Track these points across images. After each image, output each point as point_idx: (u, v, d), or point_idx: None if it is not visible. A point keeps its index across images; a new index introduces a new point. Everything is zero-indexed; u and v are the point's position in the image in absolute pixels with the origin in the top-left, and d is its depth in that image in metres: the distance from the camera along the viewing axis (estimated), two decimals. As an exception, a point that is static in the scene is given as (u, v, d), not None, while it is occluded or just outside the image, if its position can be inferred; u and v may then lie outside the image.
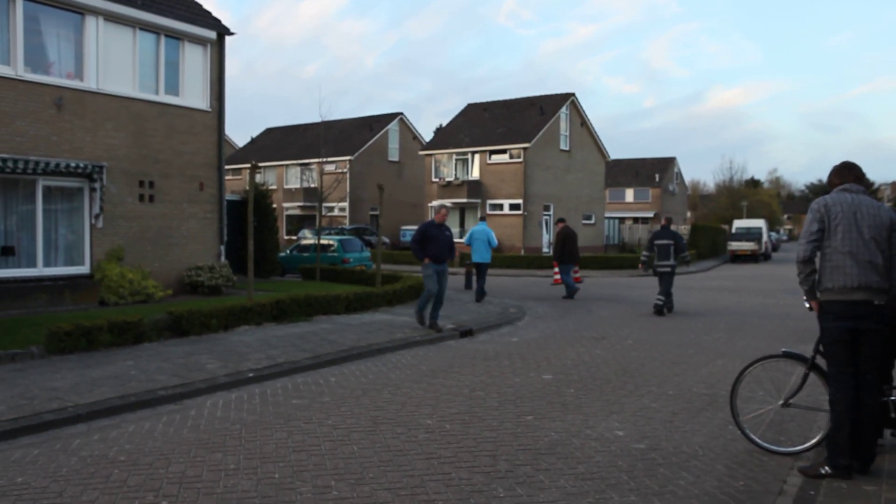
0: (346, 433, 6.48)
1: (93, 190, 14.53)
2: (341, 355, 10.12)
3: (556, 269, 19.99)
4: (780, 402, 5.96)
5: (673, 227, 16.73)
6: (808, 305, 5.50)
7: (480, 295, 17.94)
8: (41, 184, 13.85)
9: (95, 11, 14.54)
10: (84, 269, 14.56)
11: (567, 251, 19.24)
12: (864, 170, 5.59)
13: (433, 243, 12.38)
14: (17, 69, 13.37)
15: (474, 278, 19.13)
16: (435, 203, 12.54)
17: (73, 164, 13.97)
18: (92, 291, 14.09)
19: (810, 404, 6.09)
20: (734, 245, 41.31)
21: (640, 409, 7.46)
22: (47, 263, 14.06)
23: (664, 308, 15.57)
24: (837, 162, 5.63)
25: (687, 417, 7.12)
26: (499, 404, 7.59)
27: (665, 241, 15.83)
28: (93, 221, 14.62)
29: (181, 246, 16.45)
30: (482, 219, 20.28)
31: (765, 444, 6.01)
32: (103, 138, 14.81)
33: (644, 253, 16.56)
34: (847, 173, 5.47)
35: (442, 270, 12.50)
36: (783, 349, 6.15)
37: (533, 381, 8.81)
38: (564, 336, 12.53)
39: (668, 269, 15.68)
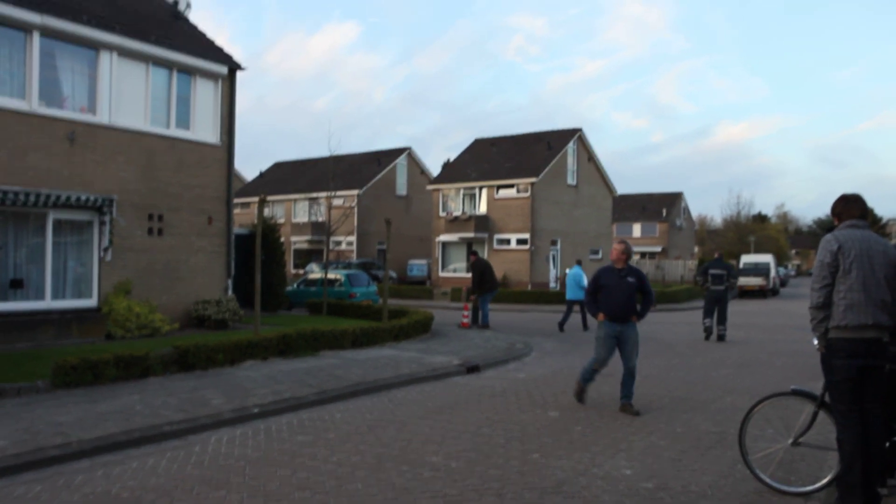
0: (350, 470, 6.42)
1: (102, 223, 14.63)
2: (347, 391, 10.07)
3: (466, 313, 20.71)
4: (790, 440, 5.89)
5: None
6: (818, 347, 5.44)
7: (563, 322, 20.37)
8: (52, 217, 13.96)
9: (110, 47, 14.78)
10: (92, 302, 14.60)
11: (487, 281, 20.18)
12: (871, 205, 5.60)
13: (606, 294, 9.23)
14: (32, 104, 13.57)
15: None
16: (616, 242, 9.94)
17: (83, 198, 14.10)
18: (99, 325, 14.11)
19: (821, 443, 6.00)
20: (742, 280, 41.15)
21: (648, 447, 7.38)
22: (55, 296, 14.11)
23: (724, 336, 17.77)
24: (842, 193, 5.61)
25: (696, 456, 7.04)
26: (505, 441, 7.52)
27: (718, 271, 18.21)
28: (101, 254, 14.70)
29: (189, 279, 16.50)
30: (578, 262, 22.54)
31: (775, 484, 5.93)
32: (114, 172, 14.95)
33: (698, 278, 19.48)
34: (853, 206, 5.45)
35: (622, 332, 9.17)
36: (792, 386, 6.09)
37: (539, 418, 8.74)
38: (572, 373, 12.42)
39: (722, 290, 17.93)
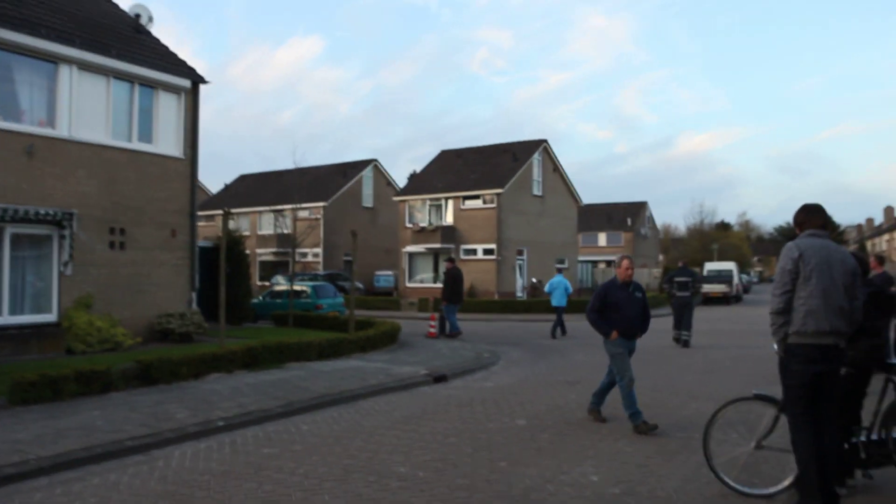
0: (317, 482, 6.37)
1: (62, 237, 14.37)
2: (313, 403, 9.99)
3: (433, 324, 20.67)
4: (753, 443, 5.98)
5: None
6: (777, 351, 5.54)
7: (556, 330, 20.94)
8: (9, 231, 13.67)
9: (69, 60, 14.57)
10: (51, 317, 14.31)
11: (455, 292, 20.20)
12: (831, 212, 5.72)
13: (618, 311, 8.78)
14: (-12, 117, 13.30)
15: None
16: (617, 257, 8.99)
17: (42, 212, 13.84)
18: (59, 340, 13.84)
19: (782, 446, 6.08)
20: (706, 287, 41.67)
21: (615, 453, 7.43)
22: (13, 311, 13.80)
23: (689, 342, 18.20)
24: (803, 203, 5.72)
25: (662, 461, 7.10)
26: (472, 451, 7.52)
27: (684, 279, 18.82)
28: (61, 269, 14.43)
29: (152, 293, 16.26)
30: (559, 271, 24.04)
31: (739, 487, 6.01)
32: (74, 186, 14.71)
33: (665, 286, 20.89)
34: (815, 217, 5.56)
35: (632, 348, 8.97)
36: (754, 391, 6.19)
37: (507, 426, 8.75)
38: (538, 381, 12.49)
39: (688, 296, 18.49)
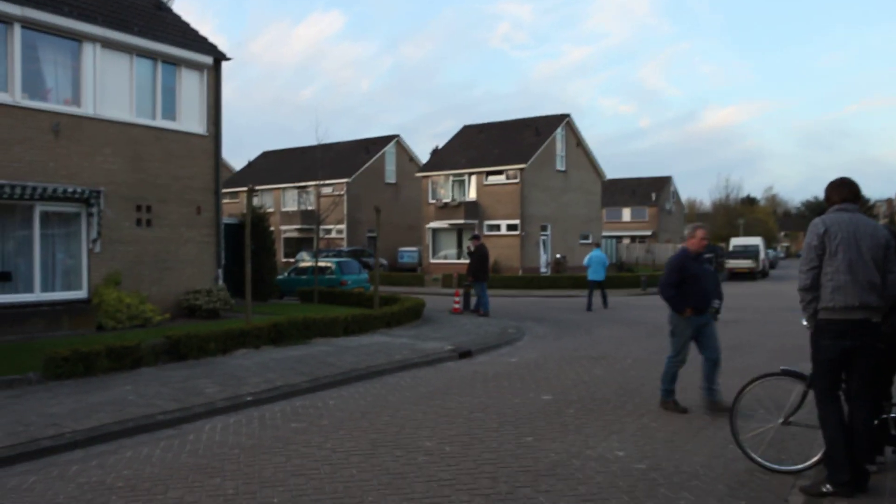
0: (344, 456, 6.44)
1: (90, 215, 14.55)
2: (339, 378, 10.09)
3: (457, 299, 20.58)
4: (781, 420, 5.95)
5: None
6: (808, 327, 5.49)
7: (605, 301, 22.28)
8: (38, 209, 13.86)
9: (93, 38, 14.65)
10: (82, 293, 14.54)
11: (482, 269, 20.01)
12: (860, 186, 5.59)
13: (695, 284, 8.26)
14: (15, 96, 13.44)
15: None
16: (688, 226, 8.23)
17: (70, 190, 14.01)
18: (89, 316, 14.06)
19: (810, 422, 6.04)
20: (732, 263, 41.30)
21: (640, 428, 7.43)
22: (45, 288, 14.04)
23: (719, 310, 18.10)
24: (833, 178, 5.63)
25: (687, 436, 7.09)
26: (498, 425, 7.56)
27: (706, 256, 18.06)
28: (90, 246, 14.63)
29: (179, 270, 16.44)
30: (597, 245, 24.57)
31: (766, 463, 5.99)
32: (101, 163, 14.85)
33: None
34: (845, 190, 5.47)
35: (706, 322, 8.48)
36: (782, 367, 6.14)
37: (532, 401, 8.78)
38: (563, 356, 12.50)
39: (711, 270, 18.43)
